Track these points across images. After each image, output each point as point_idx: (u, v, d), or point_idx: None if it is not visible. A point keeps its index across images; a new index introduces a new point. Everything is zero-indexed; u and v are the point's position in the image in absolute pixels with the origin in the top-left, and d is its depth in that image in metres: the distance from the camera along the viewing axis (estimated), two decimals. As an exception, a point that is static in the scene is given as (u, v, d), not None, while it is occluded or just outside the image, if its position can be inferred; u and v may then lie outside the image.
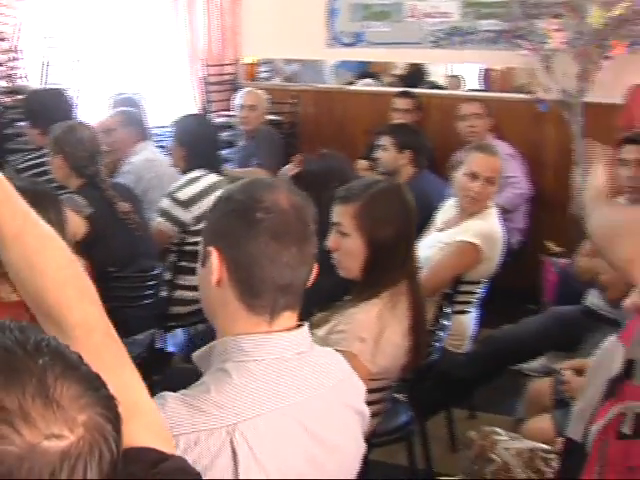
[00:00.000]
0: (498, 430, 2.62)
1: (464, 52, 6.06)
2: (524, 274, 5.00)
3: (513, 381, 3.88)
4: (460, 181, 3.78)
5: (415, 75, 7.48)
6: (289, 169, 4.77)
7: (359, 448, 1.73)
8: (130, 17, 6.61)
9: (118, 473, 0.94)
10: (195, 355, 1.65)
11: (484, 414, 4.05)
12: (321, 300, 2.58)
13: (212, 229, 1.63)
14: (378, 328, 2.52)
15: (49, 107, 4.50)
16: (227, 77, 6.87)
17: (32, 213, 1.27)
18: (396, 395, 3.05)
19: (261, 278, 1.55)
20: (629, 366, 1.85)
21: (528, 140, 5.81)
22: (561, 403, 2.98)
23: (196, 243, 3.93)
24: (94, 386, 0.93)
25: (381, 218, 2.61)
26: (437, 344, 3.25)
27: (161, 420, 1.27)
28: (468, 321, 3.77)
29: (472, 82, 7.70)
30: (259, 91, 6.13)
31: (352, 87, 7.36)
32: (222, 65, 6.84)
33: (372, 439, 2.43)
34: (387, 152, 4.91)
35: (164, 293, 4.03)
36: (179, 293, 4.07)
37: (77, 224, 3.47)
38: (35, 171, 4.29)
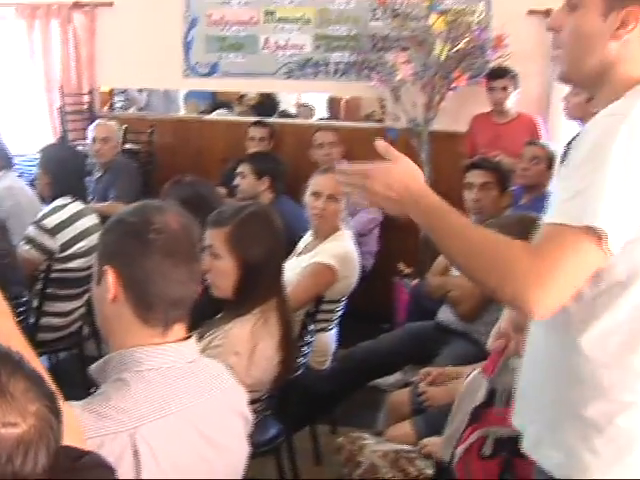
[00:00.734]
0: (365, 435, 2.81)
1: (316, 82, 6.27)
2: (377, 295, 5.19)
3: (371, 396, 4.08)
4: (307, 202, 3.98)
5: (267, 104, 7.67)
6: None
7: (244, 450, 1.88)
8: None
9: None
10: (91, 368, 1.75)
11: (345, 428, 4.20)
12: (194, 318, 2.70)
13: (107, 250, 1.74)
14: (252, 343, 2.68)
15: None
16: (84, 107, 6.80)
17: None
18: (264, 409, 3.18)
19: (155, 293, 1.68)
20: (491, 394, 2.23)
21: (379, 166, 6.05)
22: (419, 411, 3.22)
23: (63, 270, 4.03)
24: (38, 382, 1.06)
25: (252, 240, 2.78)
26: (302, 359, 3.41)
27: (75, 421, 1.38)
28: (330, 339, 3.94)
29: (321, 111, 7.99)
30: (111, 122, 6.01)
31: (208, 116, 7.49)
32: (79, 95, 6.78)
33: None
34: (246, 179, 5.09)
35: (32, 320, 4.01)
36: (46, 320, 4.03)
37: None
38: None
